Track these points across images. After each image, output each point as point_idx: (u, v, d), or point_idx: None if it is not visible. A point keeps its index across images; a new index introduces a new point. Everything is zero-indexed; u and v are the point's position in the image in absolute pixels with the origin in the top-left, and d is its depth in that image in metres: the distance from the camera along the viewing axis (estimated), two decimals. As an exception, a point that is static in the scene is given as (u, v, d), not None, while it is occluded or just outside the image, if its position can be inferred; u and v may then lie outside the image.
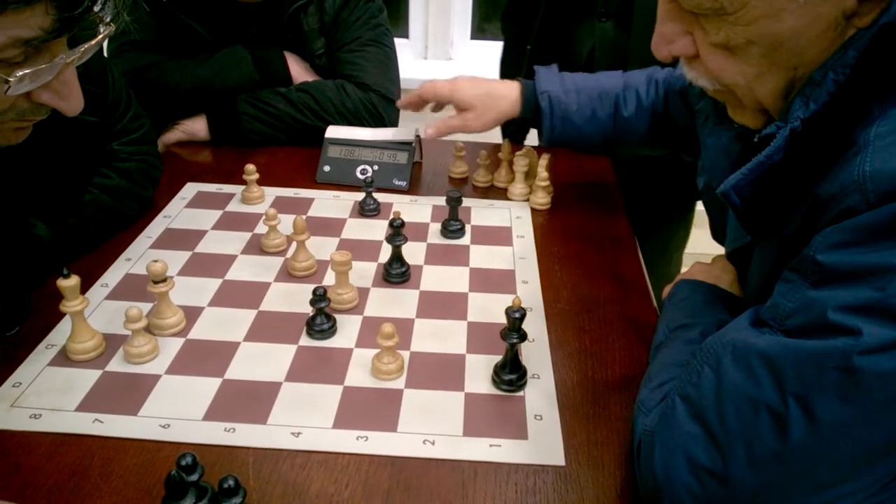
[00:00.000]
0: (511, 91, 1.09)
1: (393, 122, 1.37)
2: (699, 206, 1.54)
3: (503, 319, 0.72)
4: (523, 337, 0.73)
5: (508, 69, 1.45)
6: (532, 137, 1.55)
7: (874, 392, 0.46)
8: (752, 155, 0.58)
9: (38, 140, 0.75)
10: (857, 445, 0.47)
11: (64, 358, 0.78)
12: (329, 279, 0.93)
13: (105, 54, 1.21)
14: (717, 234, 0.82)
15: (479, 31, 2.39)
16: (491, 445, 0.68)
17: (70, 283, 0.75)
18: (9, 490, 0.62)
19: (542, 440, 0.69)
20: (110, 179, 1.02)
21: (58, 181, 0.94)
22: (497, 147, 1.24)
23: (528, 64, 1.37)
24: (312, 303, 0.81)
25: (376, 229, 1.05)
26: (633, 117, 1.05)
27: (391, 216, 0.91)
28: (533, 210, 1.12)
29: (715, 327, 0.68)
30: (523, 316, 0.72)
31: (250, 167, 1.10)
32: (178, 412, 0.71)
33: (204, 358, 0.79)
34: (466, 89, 1.08)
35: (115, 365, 0.77)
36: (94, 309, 0.86)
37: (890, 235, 0.47)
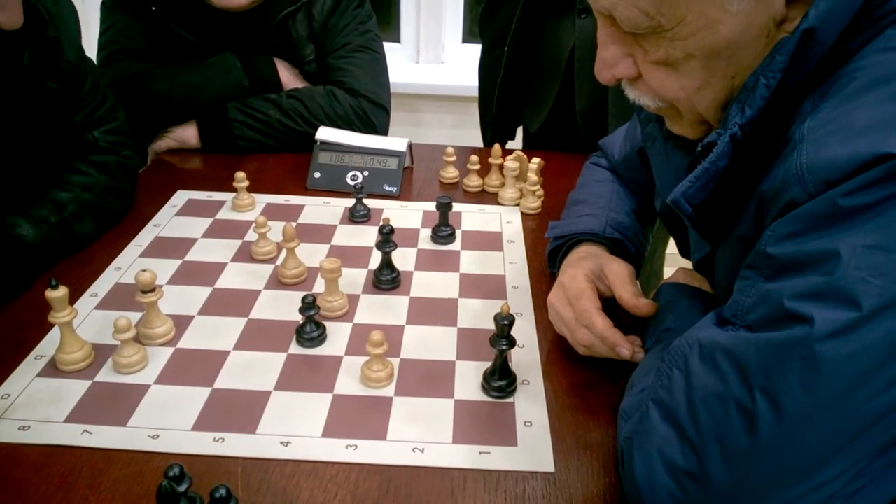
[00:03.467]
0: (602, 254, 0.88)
1: (383, 128, 1.37)
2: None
3: (493, 325, 0.72)
4: (512, 343, 0.73)
5: (488, 73, 1.45)
6: (521, 141, 1.56)
7: (835, 378, 0.47)
8: (697, 165, 0.60)
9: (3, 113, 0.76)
10: (825, 432, 0.48)
11: (53, 369, 0.78)
12: (319, 286, 0.93)
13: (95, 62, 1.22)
14: (683, 251, 0.83)
15: (470, 35, 2.40)
16: (480, 452, 0.68)
17: (58, 293, 0.75)
18: (-3, 503, 0.62)
19: (531, 446, 0.69)
20: (89, 176, 1.03)
21: (31, 168, 0.94)
22: (488, 152, 1.24)
23: (506, 66, 1.37)
24: (301, 311, 0.81)
25: (367, 235, 1.05)
26: (642, 178, 0.96)
27: (381, 223, 0.91)
28: (523, 214, 1.12)
29: None
30: (512, 322, 0.72)
31: (240, 174, 1.10)
32: (167, 422, 0.71)
33: (193, 367, 0.79)
34: (616, 283, 0.82)
35: (105, 375, 0.77)
36: (84, 319, 0.86)
37: (831, 222, 0.48)
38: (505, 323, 0.71)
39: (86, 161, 1.05)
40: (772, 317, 0.51)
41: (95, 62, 1.34)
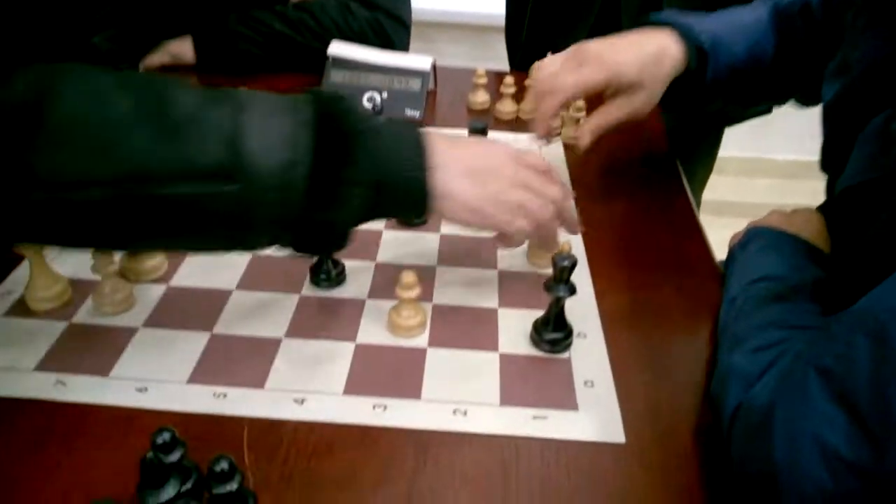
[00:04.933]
0: (668, 43, 0.75)
1: (403, 45, 1.22)
2: (722, 150, 1.41)
3: (538, 269, 0.60)
4: (573, 290, 0.61)
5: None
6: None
7: None
8: None
9: None
10: None
11: (23, 307, 0.66)
12: (335, 219, 0.80)
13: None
14: (829, 163, 0.68)
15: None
16: (535, 417, 0.57)
17: (26, 217, 0.62)
18: (-52, 468, 0.51)
19: (596, 411, 0.57)
20: None
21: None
22: (523, 74, 1.09)
23: (532, 12, 1.21)
24: (317, 245, 0.68)
25: (387, 164, 0.92)
26: (807, 39, 0.78)
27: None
28: (565, 145, 0.99)
29: (812, 285, 0.56)
30: (574, 265, 0.59)
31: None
32: (157, 373, 0.59)
33: (189, 308, 0.67)
34: (628, 63, 0.73)
35: (83, 316, 0.65)
36: (61, 250, 0.73)
37: None
38: (565, 265, 0.59)
39: None
40: None
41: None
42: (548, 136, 0.79)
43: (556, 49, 1.37)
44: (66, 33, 0.87)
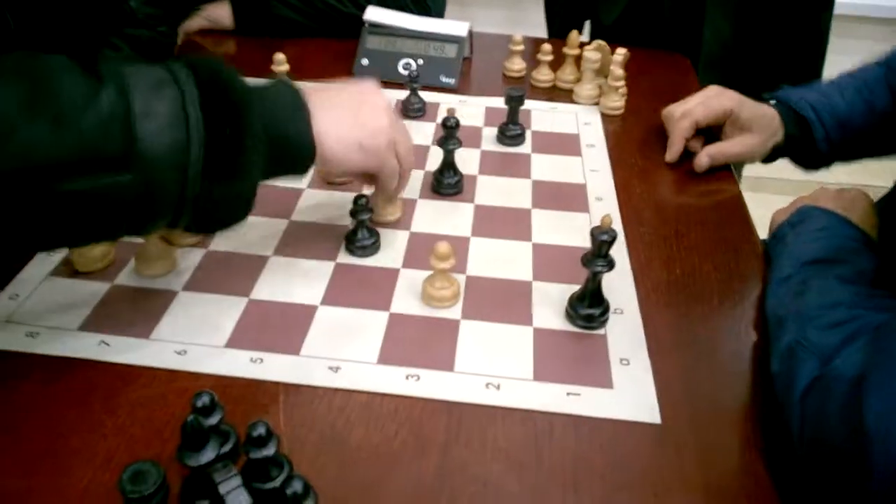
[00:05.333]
0: (770, 109, 0.86)
1: (439, 13, 1.21)
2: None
3: (575, 242, 0.60)
4: (611, 265, 0.60)
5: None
6: (588, 36, 1.38)
7: None
8: None
9: None
10: None
11: (68, 267, 0.67)
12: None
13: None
14: None
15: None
16: (569, 394, 0.57)
17: (69, 180, 0.63)
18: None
19: (631, 390, 0.57)
20: (120, 51, 0.92)
21: (70, 41, 0.83)
22: (561, 41, 1.07)
23: None
24: (353, 213, 0.69)
25: (422, 132, 0.91)
26: None
27: (444, 115, 0.77)
28: (603, 115, 0.97)
29: (872, 271, 0.55)
30: (613, 239, 0.59)
31: (279, 56, 0.96)
32: (196, 337, 0.60)
33: (227, 273, 0.67)
34: (746, 108, 0.84)
35: (126, 278, 0.66)
36: None
37: None
38: (605, 239, 0.58)
39: (120, 34, 0.93)
40: None
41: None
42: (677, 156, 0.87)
43: (594, 17, 1.34)
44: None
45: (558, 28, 1.33)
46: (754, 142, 0.84)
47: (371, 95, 0.67)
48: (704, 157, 0.84)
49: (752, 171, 1.47)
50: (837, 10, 1.47)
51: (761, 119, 0.84)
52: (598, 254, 0.59)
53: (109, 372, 0.57)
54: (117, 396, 0.55)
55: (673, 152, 0.86)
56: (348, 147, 0.62)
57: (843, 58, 1.40)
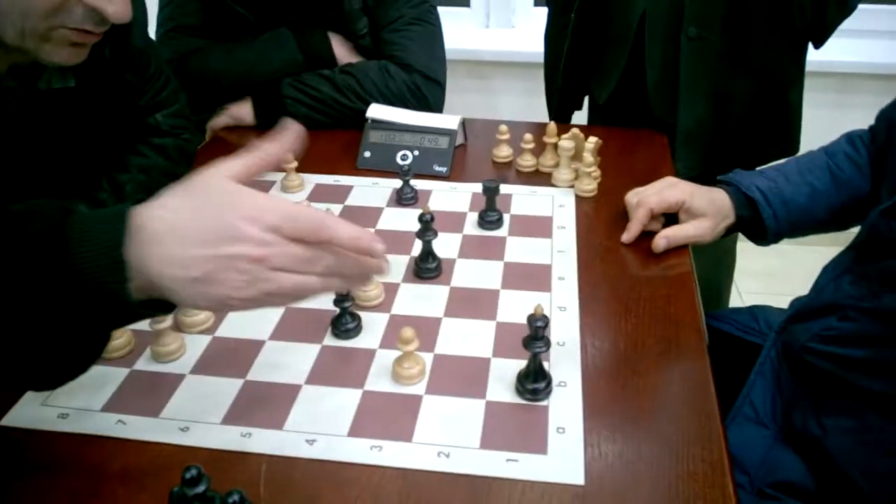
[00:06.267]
0: (721, 194, 0.97)
1: (438, 104, 1.33)
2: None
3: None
4: (547, 345, 0.69)
5: (554, 42, 1.39)
6: (578, 117, 1.49)
7: None
8: None
9: (79, 99, 0.80)
10: None
11: (96, 355, 0.79)
12: (359, 274, 0.91)
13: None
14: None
15: (541, -1, 2.30)
16: (508, 460, 0.65)
17: (96, 283, 0.75)
18: (30, 490, 0.64)
19: (561, 456, 0.65)
20: (147, 158, 1.05)
21: (96, 153, 0.96)
22: (543, 129, 1.18)
23: (573, 34, 1.30)
24: (336, 302, 0.79)
25: (412, 219, 1.01)
26: (855, 177, 0.95)
27: (421, 211, 0.88)
28: (578, 197, 1.06)
29: None
30: (546, 324, 0.68)
31: (288, 156, 1.09)
32: (198, 414, 0.71)
33: (229, 357, 0.78)
34: (697, 197, 0.95)
35: (143, 364, 0.78)
36: None
37: None
38: (539, 325, 0.67)
39: (146, 143, 1.06)
40: None
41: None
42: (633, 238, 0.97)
43: (590, 96, 1.45)
44: (126, 116, 1.01)
45: (557, 107, 1.44)
46: (707, 225, 0.94)
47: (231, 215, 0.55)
48: (661, 239, 0.93)
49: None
50: (846, 69, 1.53)
51: (711, 205, 0.95)
52: (535, 336, 0.68)
53: (125, 447, 0.68)
54: (130, 468, 0.66)
55: (629, 236, 0.95)
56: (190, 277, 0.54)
57: (854, 111, 1.47)
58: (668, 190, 0.95)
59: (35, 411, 0.72)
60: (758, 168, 1.02)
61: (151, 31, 1.34)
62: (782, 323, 0.91)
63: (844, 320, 0.77)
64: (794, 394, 0.80)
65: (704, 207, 0.94)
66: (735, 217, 0.95)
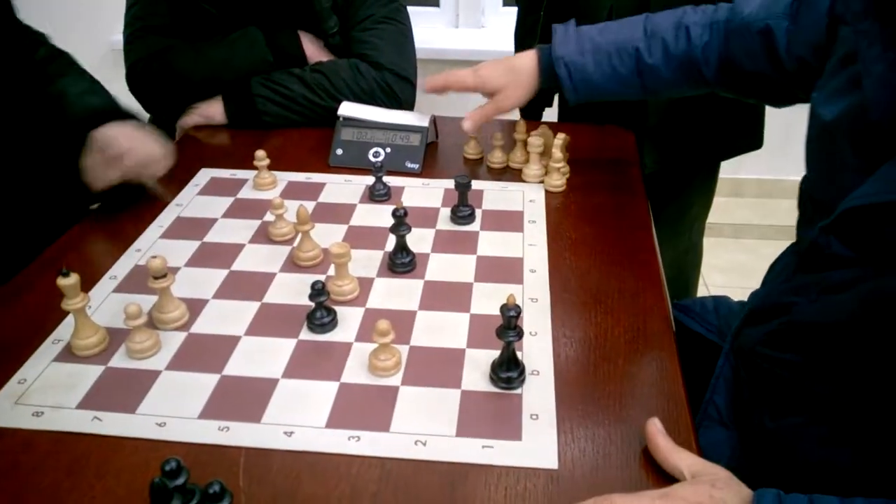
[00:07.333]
0: (529, 62, 1.05)
1: (409, 102, 1.34)
2: (722, 173, 1.48)
3: (506, 312, 0.70)
4: (520, 334, 0.70)
5: (522, 41, 1.41)
6: (549, 114, 1.51)
7: None
8: None
9: None
10: None
11: (69, 353, 0.79)
12: (333, 269, 0.91)
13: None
14: (821, 183, 0.76)
15: (509, -2, 2.33)
16: (483, 447, 0.66)
17: (69, 281, 0.75)
18: (6, 489, 0.64)
19: (535, 441, 0.67)
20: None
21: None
22: (513, 126, 1.20)
23: (542, 32, 1.32)
24: (311, 297, 0.80)
25: (385, 215, 1.03)
26: (660, 66, 0.99)
27: (395, 206, 0.89)
28: (547, 192, 1.08)
29: None
30: (518, 314, 0.69)
31: (260, 153, 1.09)
32: (174, 410, 0.71)
33: (204, 353, 0.79)
34: (491, 73, 1.05)
35: (118, 361, 0.78)
36: (101, 302, 0.87)
37: None
38: (511, 315, 0.69)
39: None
40: None
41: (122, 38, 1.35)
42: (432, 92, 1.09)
43: (561, 96, 1.47)
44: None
45: (527, 106, 1.46)
46: (500, 98, 1.04)
47: None
48: (466, 121, 1.06)
49: (731, 218, 1.56)
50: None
51: (510, 74, 1.04)
52: (508, 326, 0.70)
53: (101, 443, 0.68)
54: (107, 464, 0.66)
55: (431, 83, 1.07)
56: None
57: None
58: (469, 77, 1.05)
59: (9, 410, 0.71)
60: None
61: (119, 32, 1.34)
62: (735, 328, 0.88)
63: (787, 326, 0.76)
64: (751, 395, 0.81)
65: (497, 82, 1.04)
66: (540, 84, 1.04)
